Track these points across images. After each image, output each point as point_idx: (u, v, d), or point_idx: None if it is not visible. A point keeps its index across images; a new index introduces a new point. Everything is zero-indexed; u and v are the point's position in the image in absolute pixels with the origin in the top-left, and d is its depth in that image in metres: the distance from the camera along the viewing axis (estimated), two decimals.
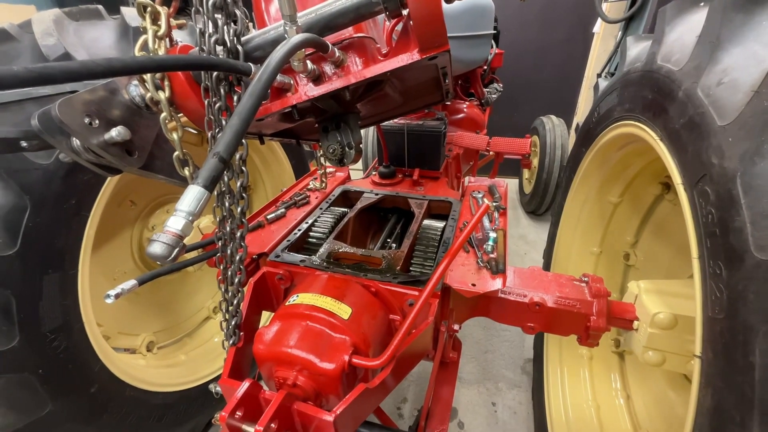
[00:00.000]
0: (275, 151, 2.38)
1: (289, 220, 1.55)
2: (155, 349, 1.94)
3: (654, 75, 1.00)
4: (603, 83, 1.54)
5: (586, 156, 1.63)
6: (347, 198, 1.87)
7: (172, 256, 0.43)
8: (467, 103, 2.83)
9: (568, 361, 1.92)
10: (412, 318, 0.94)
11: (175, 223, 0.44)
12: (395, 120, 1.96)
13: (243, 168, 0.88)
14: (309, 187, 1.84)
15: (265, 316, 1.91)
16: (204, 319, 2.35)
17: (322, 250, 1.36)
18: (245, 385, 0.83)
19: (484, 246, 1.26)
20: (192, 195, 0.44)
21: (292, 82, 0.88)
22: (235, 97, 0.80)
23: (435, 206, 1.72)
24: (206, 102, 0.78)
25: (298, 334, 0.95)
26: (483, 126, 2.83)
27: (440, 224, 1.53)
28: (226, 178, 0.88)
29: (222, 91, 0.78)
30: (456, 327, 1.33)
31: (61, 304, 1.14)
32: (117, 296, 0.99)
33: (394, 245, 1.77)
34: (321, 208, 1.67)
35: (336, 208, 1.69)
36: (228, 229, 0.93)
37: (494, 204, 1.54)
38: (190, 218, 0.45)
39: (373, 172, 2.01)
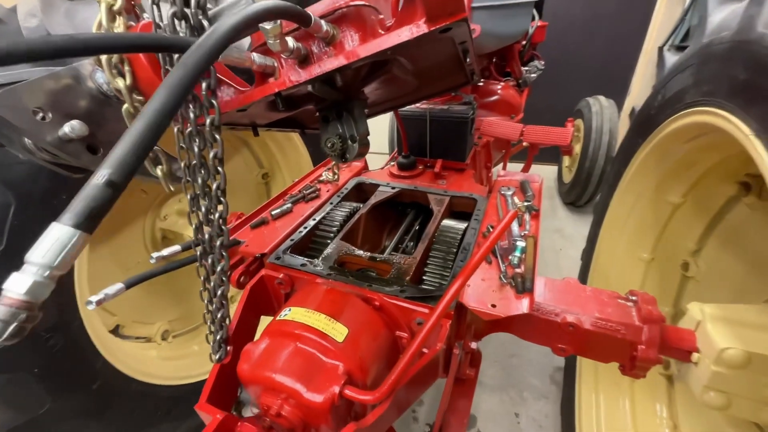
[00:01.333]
0: (291, 138, 2.26)
1: (295, 216, 1.43)
2: (170, 338, 1.94)
3: (752, 47, 0.75)
4: (671, 58, 1.26)
5: (643, 147, 1.37)
6: (362, 191, 1.72)
7: (7, 334, 0.30)
8: (502, 83, 2.55)
9: (604, 378, 1.71)
10: (416, 346, 0.80)
11: (17, 283, 0.30)
12: (417, 104, 1.76)
13: (219, 168, 0.76)
14: (321, 178, 1.71)
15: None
16: None
17: (327, 251, 1.24)
18: (217, 418, 0.73)
19: (510, 257, 1.08)
20: (52, 240, 0.30)
21: (275, 64, 0.73)
22: (203, 84, 0.66)
23: (457, 203, 1.54)
24: None
25: (286, 357, 0.84)
26: (519, 110, 2.54)
27: (461, 225, 1.35)
28: (200, 179, 0.76)
29: None
30: (473, 345, 1.17)
31: (55, 303, 1.11)
32: (99, 302, 0.91)
33: (411, 243, 1.62)
34: (331, 203, 1.54)
35: (348, 203, 1.55)
36: (207, 236, 0.82)
37: (525, 204, 1.33)
38: (46, 274, 0.31)
39: (392, 163, 1.84)
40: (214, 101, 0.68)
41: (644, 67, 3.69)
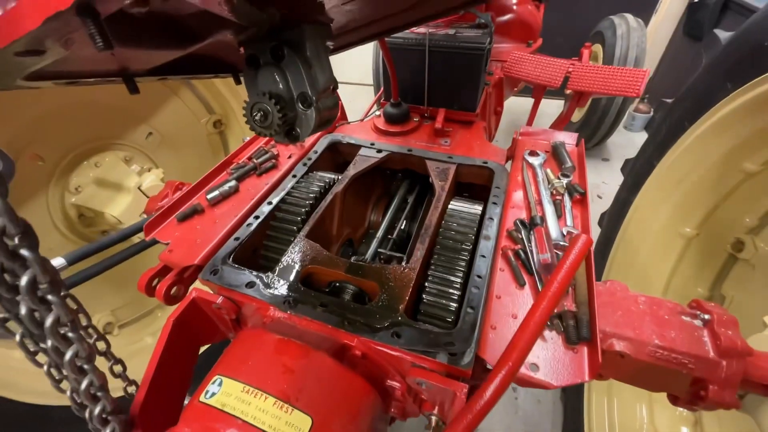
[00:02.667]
0: None
1: (242, 200, 1.03)
2: (115, 330, 1.64)
3: None
4: None
5: (737, 95, 0.96)
6: (337, 154, 1.29)
7: None
8: None
9: None
10: None
11: None
12: (412, 29, 1.25)
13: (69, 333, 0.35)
14: None
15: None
16: None
17: (288, 257, 0.87)
18: None
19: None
20: None
21: None
22: None
23: (466, 172, 1.14)
24: None
25: None
26: (537, 33, 2.00)
27: (475, 210, 0.98)
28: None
29: None
30: None
31: None
32: None
33: (405, 223, 1.25)
34: (294, 175, 1.12)
35: (319, 175, 1.14)
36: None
37: (564, 182, 0.96)
38: None
39: (377, 112, 1.38)
40: None
41: None
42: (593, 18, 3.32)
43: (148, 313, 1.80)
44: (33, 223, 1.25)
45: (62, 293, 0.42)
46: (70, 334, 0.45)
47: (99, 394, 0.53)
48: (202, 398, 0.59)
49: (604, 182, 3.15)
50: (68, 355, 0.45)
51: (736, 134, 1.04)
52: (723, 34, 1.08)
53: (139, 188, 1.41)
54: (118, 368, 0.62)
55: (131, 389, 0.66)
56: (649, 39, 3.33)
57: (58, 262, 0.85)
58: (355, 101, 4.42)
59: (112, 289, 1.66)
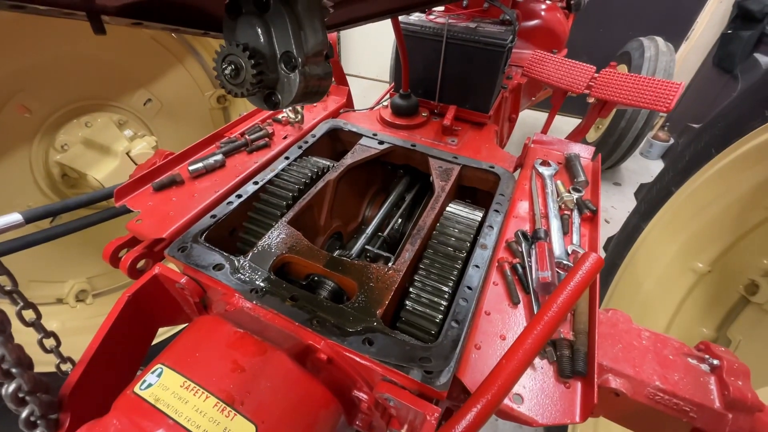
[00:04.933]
0: None
1: (227, 175, 0.95)
2: (89, 299, 1.57)
3: None
4: None
5: None
6: (337, 141, 1.22)
7: None
8: (548, 3, 1.88)
9: None
10: None
11: None
12: (431, 17, 1.17)
13: None
14: (278, 117, 1.18)
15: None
16: None
17: (265, 241, 0.79)
18: None
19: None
20: None
21: None
22: None
23: (471, 176, 1.06)
24: None
25: None
26: (563, 42, 1.92)
27: (475, 216, 0.90)
28: None
29: None
30: None
31: None
32: None
33: (400, 222, 1.18)
34: (287, 157, 1.04)
35: (313, 159, 1.06)
36: None
37: (574, 197, 0.88)
38: None
39: (385, 102, 1.30)
40: None
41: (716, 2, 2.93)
42: (622, 38, 3.23)
43: (126, 286, 1.74)
44: (12, 177, 1.18)
45: None
46: None
47: (13, 370, 0.46)
48: (136, 388, 0.52)
49: (613, 207, 3.05)
50: None
51: (765, 167, 0.95)
52: (765, 59, 0.99)
53: (127, 154, 1.35)
54: (50, 342, 0.55)
55: (66, 367, 0.59)
56: (678, 65, 3.24)
57: (13, 217, 0.79)
58: (368, 96, 4.35)
59: (91, 255, 1.60)
